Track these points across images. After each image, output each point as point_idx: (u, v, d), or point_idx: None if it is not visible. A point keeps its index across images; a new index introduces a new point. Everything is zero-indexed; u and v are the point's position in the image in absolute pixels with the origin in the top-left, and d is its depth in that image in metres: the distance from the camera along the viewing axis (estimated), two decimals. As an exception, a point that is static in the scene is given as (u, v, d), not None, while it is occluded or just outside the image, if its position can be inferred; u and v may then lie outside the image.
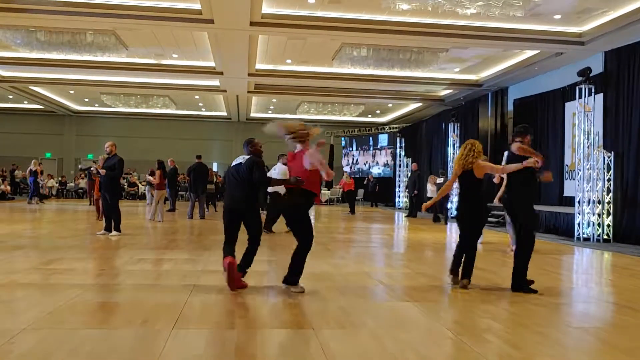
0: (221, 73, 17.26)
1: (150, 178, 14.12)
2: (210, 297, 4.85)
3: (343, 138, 29.13)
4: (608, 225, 11.33)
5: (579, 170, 11.60)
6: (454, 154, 18.19)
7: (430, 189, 15.97)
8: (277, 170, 10.02)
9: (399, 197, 24.36)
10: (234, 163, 5.39)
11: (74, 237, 9.29)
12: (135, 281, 5.48)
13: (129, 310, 4.29)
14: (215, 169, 26.35)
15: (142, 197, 25.66)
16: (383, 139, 27.08)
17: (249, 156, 5.34)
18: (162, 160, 14.24)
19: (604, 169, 11.40)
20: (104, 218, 9.94)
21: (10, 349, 3.25)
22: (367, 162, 28.14)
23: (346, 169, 28.71)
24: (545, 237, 11.68)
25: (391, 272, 6.66)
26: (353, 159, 29.09)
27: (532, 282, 5.40)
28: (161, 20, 12.06)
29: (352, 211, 18.88)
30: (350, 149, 29.11)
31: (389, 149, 26.58)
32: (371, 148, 27.83)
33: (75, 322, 3.95)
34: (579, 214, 11.35)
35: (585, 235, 11.22)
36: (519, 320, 4.28)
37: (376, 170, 27.25)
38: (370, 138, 27.87)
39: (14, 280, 5.37)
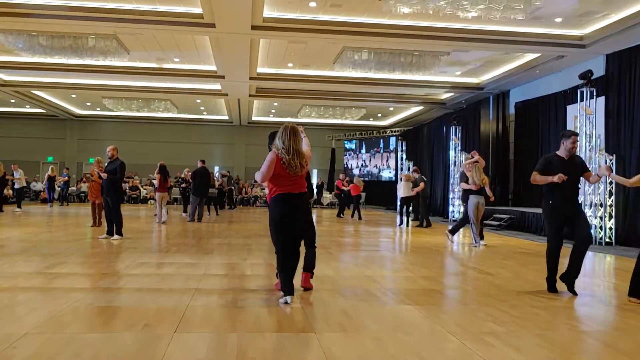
0: (222, 77, 17.31)
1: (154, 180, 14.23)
2: (212, 300, 4.85)
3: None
4: (610, 228, 11.31)
5: (581, 173, 11.58)
6: (455, 157, 18.18)
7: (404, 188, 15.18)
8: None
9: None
10: None
11: (76, 241, 9.30)
12: (137, 285, 5.48)
13: (131, 314, 4.29)
14: (216, 172, 26.36)
15: (144, 200, 25.74)
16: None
17: None
18: (164, 164, 14.46)
19: (605, 171, 11.38)
20: (106, 222, 9.92)
21: (13, 354, 3.25)
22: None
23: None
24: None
25: (393, 276, 6.66)
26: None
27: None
28: (163, 24, 12.10)
29: (360, 216, 18.07)
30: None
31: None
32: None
33: (77, 327, 3.95)
34: (581, 216, 11.31)
35: (587, 238, 11.18)
36: (521, 323, 4.27)
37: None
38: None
39: (16, 284, 5.37)
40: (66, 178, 22.66)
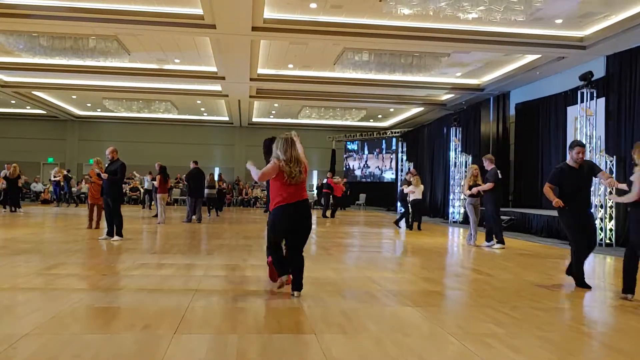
0: (223, 78, 17.32)
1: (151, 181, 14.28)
2: (212, 301, 4.85)
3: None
4: (610, 230, 11.31)
5: (581, 174, 11.58)
6: (455, 158, 18.19)
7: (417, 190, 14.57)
8: None
9: (400, 201, 24.36)
10: None
11: (76, 242, 9.30)
12: (137, 286, 5.48)
13: (131, 315, 4.29)
14: (216, 173, 26.36)
15: (144, 201, 25.72)
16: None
17: None
18: (164, 165, 14.55)
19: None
20: (106, 223, 9.91)
21: (13, 354, 3.25)
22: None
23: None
24: (548, 241, 11.67)
25: (393, 277, 6.65)
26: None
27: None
28: (163, 25, 12.11)
29: (329, 214, 19.51)
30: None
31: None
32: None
33: (77, 327, 3.95)
34: (582, 218, 11.32)
35: (587, 240, 11.18)
36: (522, 325, 4.26)
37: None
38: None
39: (16, 285, 5.37)
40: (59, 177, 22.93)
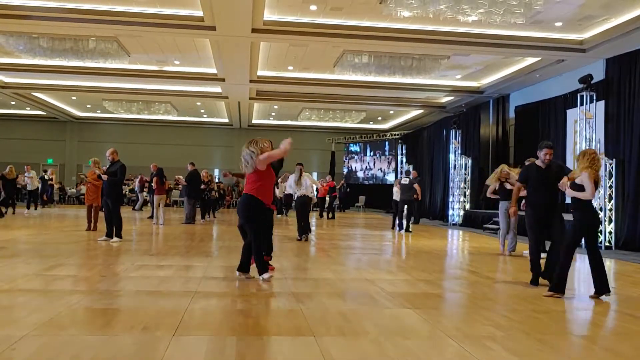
0: (223, 80, 17.33)
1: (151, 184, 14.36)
2: (211, 303, 4.85)
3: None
4: (610, 233, 11.30)
5: (581, 177, 11.57)
6: (455, 160, 18.18)
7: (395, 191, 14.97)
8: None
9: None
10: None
11: (75, 243, 9.29)
12: (136, 287, 5.47)
13: (130, 317, 4.28)
14: (216, 175, 26.33)
15: (144, 202, 25.69)
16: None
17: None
18: (161, 167, 14.61)
19: (605, 176, 11.38)
20: (105, 225, 9.90)
21: (11, 356, 3.24)
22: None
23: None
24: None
25: (392, 279, 6.65)
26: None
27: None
28: (163, 27, 12.12)
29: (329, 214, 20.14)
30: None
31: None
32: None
33: (76, 329, 3.95)
34: (581, 221, 11.30)
35: (587, 243, 11.17)
36: (521, 328, 4.26)
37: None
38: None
39: (15, 286, 5.37)
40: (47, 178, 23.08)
